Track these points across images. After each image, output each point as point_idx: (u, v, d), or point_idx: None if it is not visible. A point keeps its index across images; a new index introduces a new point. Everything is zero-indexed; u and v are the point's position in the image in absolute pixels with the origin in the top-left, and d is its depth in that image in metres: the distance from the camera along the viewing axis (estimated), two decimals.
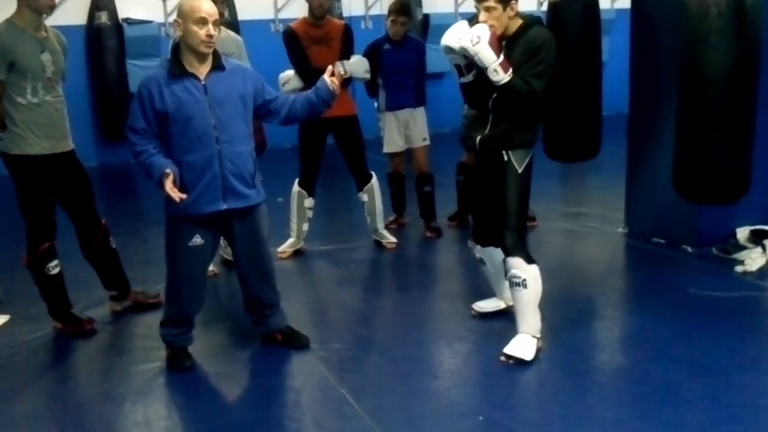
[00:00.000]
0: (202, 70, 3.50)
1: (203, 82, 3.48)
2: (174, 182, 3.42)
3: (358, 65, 5.20)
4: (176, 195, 3.40)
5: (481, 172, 3.91)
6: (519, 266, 3.69)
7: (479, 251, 4.09)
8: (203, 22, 3.39)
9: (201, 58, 3.48)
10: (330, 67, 3.75)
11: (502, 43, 3.64)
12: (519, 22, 3.68)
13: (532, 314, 3.74)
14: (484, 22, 3.58)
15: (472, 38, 3.49)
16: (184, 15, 3.42)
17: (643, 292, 4.65)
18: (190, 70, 3.48)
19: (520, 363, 3.65)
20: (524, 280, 3.69)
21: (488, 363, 3.73)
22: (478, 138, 3.80)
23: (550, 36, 3.68)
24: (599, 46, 4.75)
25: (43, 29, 3.97)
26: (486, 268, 4.14)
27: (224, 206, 3.58)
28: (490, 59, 3.50)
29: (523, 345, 3.71)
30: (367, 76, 5.30)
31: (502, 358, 3.70)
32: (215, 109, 3.49)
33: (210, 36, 3.41)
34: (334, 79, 3.66)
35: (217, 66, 3.54)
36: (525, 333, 3.74)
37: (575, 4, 4.56)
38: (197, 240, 3.60)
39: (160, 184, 3.43)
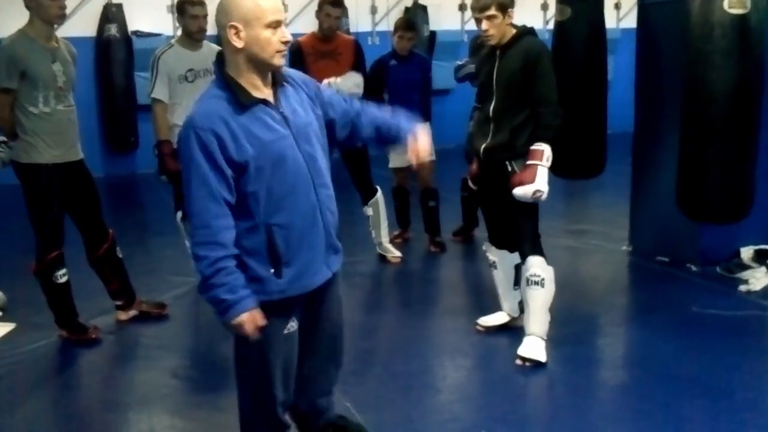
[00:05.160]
0: (267, 92, 2.45)
1: (281, 109, 2.44)
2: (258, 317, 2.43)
3: (346, 80, 5.13)
4: (255, 327, 2.42)
5: (487, 180, 3.98)
6: (540, 265, 3.80)
7: (493, 253, 4.13)
8: (277, 25, 2.38)
9: (265, 74, 2.44)
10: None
11: (497, 52, 3.77)
12: (513, 30, 3.79)
13: (543, 315, 3.83)
14: (486, 30, 3.71)
15: (537, 196, 3.71)
16: (247, 18, 2.34)
17: (646, 309, 4.65)
18: (256, 94, 2.41)
19: (536, 365, 3.72)
20: (543, 279, 3.78)
21: (491, 377, 3.75)
22: (482, 147, 3.86)
23: (543, 45, 3.81)
24: (605, 64, 4.78)
25: (54, 40, 4.03)
26: (497, 272, 4.17)
27: (329, 272, 2.60)
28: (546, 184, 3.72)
29: (534, 346, 3.78)
30: (358, 90, 5.21)
31: (518, 362, 3.77)
32: (301, 143, 2.46)
33: (286, 42, 2.41)
34: (415, 156, 2.71)
35: (278, 81, 2.49)
36: (534, 335, 3.80)
37: (581, 21, 4.60)
38: (293, 324, 2.56)
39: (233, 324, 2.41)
